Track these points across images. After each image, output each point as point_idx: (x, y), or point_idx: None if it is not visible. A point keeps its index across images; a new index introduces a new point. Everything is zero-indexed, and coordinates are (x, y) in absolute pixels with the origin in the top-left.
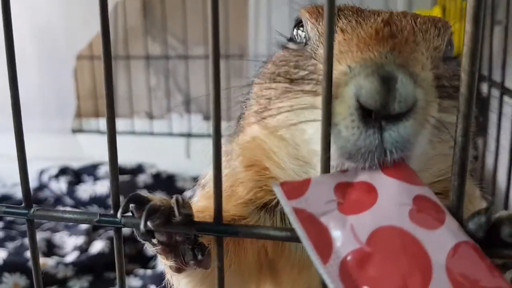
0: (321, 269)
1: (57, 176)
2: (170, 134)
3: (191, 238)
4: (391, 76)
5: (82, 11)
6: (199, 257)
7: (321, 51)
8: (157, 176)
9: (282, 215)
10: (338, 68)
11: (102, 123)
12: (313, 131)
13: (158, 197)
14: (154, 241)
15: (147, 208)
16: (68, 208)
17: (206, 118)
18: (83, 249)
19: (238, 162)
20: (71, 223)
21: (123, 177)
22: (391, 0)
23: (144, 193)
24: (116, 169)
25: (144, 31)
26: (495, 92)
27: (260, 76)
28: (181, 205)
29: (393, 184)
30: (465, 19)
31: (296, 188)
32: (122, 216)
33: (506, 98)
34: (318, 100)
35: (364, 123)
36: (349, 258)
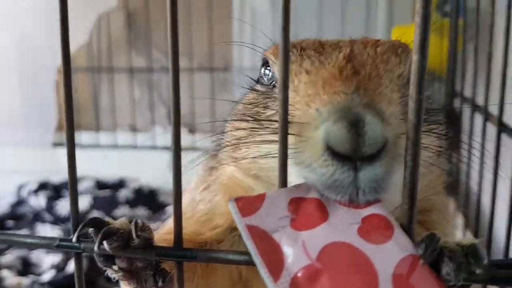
0: (272, 286)
1: (36, 191)
2: (154, 148)
3: (152, 264)
4: (358, 119)
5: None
6: (160, 283)
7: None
8: (139, 191)
9: None
10: (308, 112)
11: (84, 137)
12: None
13: (118, 221)
14: (115, 267)
15: (103, 230)
16: (47, 225)
17: (191, 131)
18: (60, 267)
19: (218, 199)
20: None
21: (105, 191)
22: (371, 17)
23: (109, 218)
24: (75, 192)
25: (128, 43)
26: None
27: (232, 116)
28: (139, 229)
29: (343, 209)
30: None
31: (251, 204)
32: (82, 241)
33: (477, 115)
34: (297, 139)
35: (338, 161)
36: (299, 274)
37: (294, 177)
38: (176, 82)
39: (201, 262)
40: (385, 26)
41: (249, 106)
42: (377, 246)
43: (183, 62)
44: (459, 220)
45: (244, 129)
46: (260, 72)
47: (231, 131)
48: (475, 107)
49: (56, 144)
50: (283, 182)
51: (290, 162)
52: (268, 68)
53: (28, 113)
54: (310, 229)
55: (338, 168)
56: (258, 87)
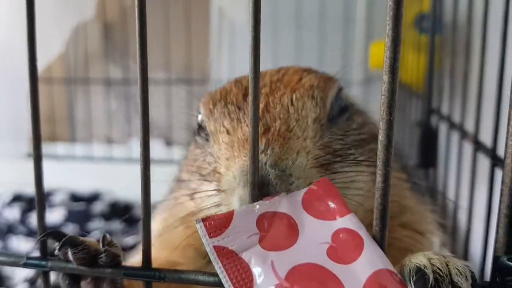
0: None
1: (10, 203)
2: (130, 160)
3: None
4: (265, 183)
5: (40, 33)
6: None
7: (216, 150)
8: (114, 204)
9: None
10: (227, 175)
11: (60, 148)
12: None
13: (85, 238)
14: None
15: (64, 239)
16: (21, 237)
17: (168, 143)
18: (33, 280)
19: (179, 230)
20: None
21: (79, 204)
22: (349, 31)
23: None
24: (42, 208)
25: (104, 54)
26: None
27: (186, 158)
28: (107, 243)
29: (314, 224)
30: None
31: (219, 224)
32: (49, 259)
33: (453, 132)
34: (222, 196)
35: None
36: None
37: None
38: (145, 97)
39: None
40: (363, 41)
41: (192, 158)
42: (346, 266)
43: (160, 74)
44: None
45: (190, 186)
46: (198, 121)
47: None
48: (451, 125)
49: (31, 155)
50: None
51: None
52: (203, 120)
53: (2, 123)
54: (279, 250)
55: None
56: (198, 139)
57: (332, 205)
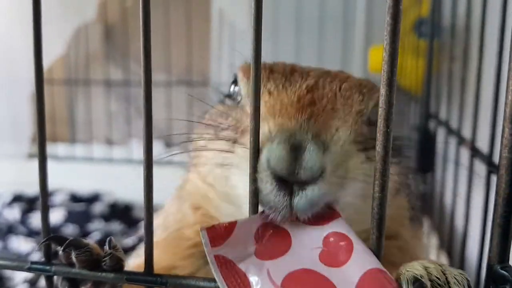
0: None
1: (10, 204)
2: (130, 161)
3: None
4: (299, 145)
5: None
6: None
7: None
8: (114, 205)
9: None
10: (263, 129)
11: (60, 149)
12: (237, 178)
13: (91, 243)
14: None
15: (69, 240)
16: (21, 237)
17: (168, 145)
18: (33, 281)
19: (186, 207)
20: (24, 253)
21: (79, 205)
22: (349, 36)
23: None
24: (47, 213)
25: (105, 56)
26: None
27: (198, 127)
28: (112, 247)
29: (305, 230)
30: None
31: (221, 234)
32: (53, 264)
33: (451, 138)
34: (236, 147)
35: (277, 182)
36: None
37: (242, 188)
38: (149, 96)
39: None
40: (363, 45)
41: (214, 116)
42: (338, 269)
43: (161, 76)
44: (433, 241)
45: (204, 138)
46: (229, 88)
47: (195, 140)
48: (449, 131)
49: (32, 155)
50: (253, 192)
51: (239, 171)
52: (237, 85)
53: (2, 124)
54: (274, 258)
55: (276, 189)
56: (227, 101)
57: (321, 210)
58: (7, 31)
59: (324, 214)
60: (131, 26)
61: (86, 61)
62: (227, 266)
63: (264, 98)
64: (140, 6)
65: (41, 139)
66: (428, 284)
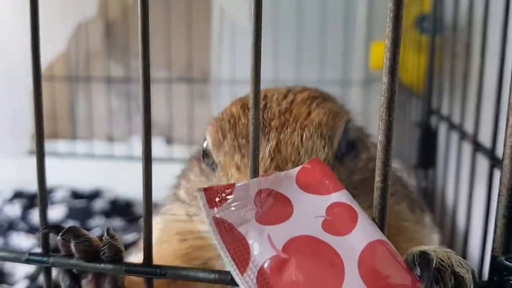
0: (238, 280)
1: (11, 200)
2: (131, 158)
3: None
4: None
5: (42, 32)
6: None
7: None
8: (114, 202)
9: None
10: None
11: (61, 145)
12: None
13: (89, 233)
14: None
15: (69, 227)
16: (22, 233)
17: (168, 141)
18: (34, 277)
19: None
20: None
21: (80, 201)
22: (350, 31)
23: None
24: (45, 205)
25: (106, 52)
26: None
27: (185, 174)
28: (111, 236)
29: (308, 199)
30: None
31: (219, 195)
32: (51, 255)
33: (453, 133)
34: None
35: None
36: (266, 265)
37: None
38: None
39: (170, 279)
40: (364, 41)
41: (192, 182)
42: (341, 238)
43: (161, 73)
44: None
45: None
46: (203, 147)
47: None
48: (451, 126)
49: (33, 152)
50: (254, 172)
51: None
52: (210, 150)
53: (3, 120)
54: (275, 224)
55: None
56: (203, 165)
57: (326, 181)
58: (7, 28)
59: (328, 185)
60: (131, 23)
61: (87, 58)
62: (226, 229)
63: (233, 173)
64: (138, 1)
65: (38, 120)
66: (434, 257)
